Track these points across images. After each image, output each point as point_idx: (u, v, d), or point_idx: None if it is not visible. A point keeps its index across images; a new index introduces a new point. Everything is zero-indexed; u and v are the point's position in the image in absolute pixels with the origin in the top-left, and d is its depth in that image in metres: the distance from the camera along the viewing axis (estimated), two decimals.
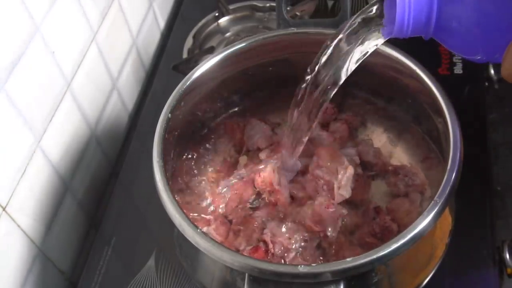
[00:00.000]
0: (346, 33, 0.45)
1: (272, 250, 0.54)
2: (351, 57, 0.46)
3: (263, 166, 0.62)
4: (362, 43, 0.45)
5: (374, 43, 0.45)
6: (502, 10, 0.38)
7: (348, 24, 0.44)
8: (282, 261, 0.54)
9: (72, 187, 0.68)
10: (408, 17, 0.40)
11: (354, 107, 0.67)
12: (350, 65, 0.46)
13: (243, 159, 0.64)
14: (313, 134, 0.64)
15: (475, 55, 0.41)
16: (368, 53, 0.45)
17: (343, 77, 0.47)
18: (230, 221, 0.60)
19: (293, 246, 0.54)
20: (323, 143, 0.64)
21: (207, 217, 0.60)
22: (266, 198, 0.60)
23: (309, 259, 0.54)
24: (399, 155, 0.64)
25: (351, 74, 0.64)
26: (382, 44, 0.56)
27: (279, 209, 0.59)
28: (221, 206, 0.61)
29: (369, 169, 0.62)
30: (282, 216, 0.58)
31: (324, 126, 0.66)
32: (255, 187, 0.61)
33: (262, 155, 0.63)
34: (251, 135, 0.65)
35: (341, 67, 0.47)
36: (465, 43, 0.41)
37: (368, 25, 0.44)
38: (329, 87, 0.48)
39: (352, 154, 0.62)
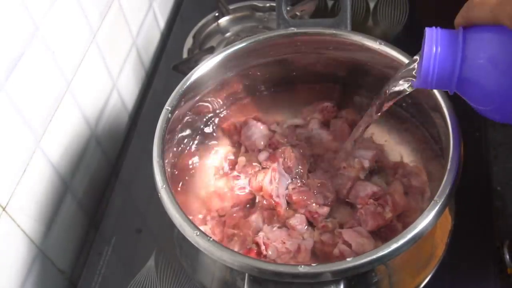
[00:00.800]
0: (398, 75, 0.51)
1: (264, 252, 0.54)
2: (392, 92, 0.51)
3: (259, 169, 0.62)
4: (399, 86, 0.50)
5: (405, 89, 0.50)
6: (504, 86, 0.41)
7: (402, 69, 0.50)
8: None
9: (72, 187, 0.68)
10: (432, 72, 0.43)
11: (355, 105, 0.67)
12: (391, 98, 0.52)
13: (241, 160, 0.64)
14: (313, 133, 0.64)
15: (491, 114, 0.44)
16: (400, 96, 0.51)
17: (386, 107, 0.53)
18: (226, 223, 0.60)
19: (287, 250, 0.54)
20: (323, 141, 0.63)
21: (205, 216, 0.60)
22: (261, 202, 0.60)
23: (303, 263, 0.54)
24: (400, 154, 0.63)
25: (352, 74, 0.65)
26: (383, 45, 0.58)
27: (274, 213, 0.59)
28: (218, 206, 0.61)
29: (370, 167, 0.62)
30: (277, 220, 0.58)
31: (325, 124, 0.66)
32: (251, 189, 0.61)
33: (261, 157, 0.63)
34: (249, 135, 0.65)
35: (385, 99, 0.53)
36: (483, 102, 0.43)
37: (407, 74, 0.49)
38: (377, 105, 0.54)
39: (366, 157, 0.61)
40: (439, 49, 0.42)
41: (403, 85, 0.49)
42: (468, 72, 0.42)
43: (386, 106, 0.53)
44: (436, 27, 0.44)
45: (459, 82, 0.43)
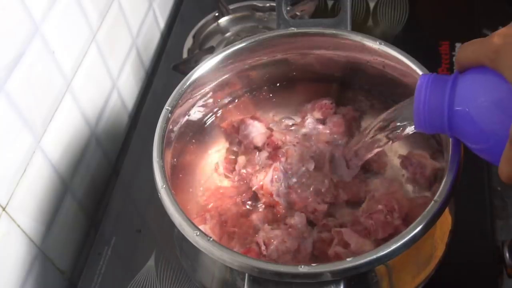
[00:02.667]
0: (392, 115, 0.52)
1: (265, 252, 0.54)
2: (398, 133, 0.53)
3: (260, 168, 0.61)
4: (404, 128, 0.52)
5: (408, 132, 0.51)
6: (500, 123, 0.41)
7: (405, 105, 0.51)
8: None
9: (72, 187, 0.68)
10: (423, 115, 0.45)
11: (354, 103, 0.66)
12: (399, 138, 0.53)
13: (241, 158, 0.64)
14: (309, 129, 0.64)
15: (483, 155, 0.45)
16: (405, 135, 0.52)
17: (380, 148, 0.56)
18: (226, 222, 0.60)
19: (287, 249, 0.54)
20: (319, 136, 0.63)
21: (205, 216, 0.59)
22: (261, 200, 0.60)
23: (303, 263, 0.54)
24: (399, 152, 0.63)
25: (351, 74, 0.65)
26: (383, 45, 0.58)
27: (274, 211, 0.59)
28: (218, 205, 0.61)
29: (368, 166, 0.62)
30: (277, 219, 0.58)
31: (322, 121, 0.66)
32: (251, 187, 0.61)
33: (261, 157, 0.63)
34: (246, 134, 0.65)
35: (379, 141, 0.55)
36: (474, 142, 0.44)
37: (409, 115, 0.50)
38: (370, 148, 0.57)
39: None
40: (428, 92, 0.44)
41: (407, 128, 0.51)
42: (457, 113, 0.43)
43: (394, 141, 0.54)
44: (431, 73, 0.46)
45: (451, 123, 0.44)
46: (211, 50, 0.84)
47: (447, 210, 0.48)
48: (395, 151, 0.62)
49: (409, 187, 0.59)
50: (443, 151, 0.54)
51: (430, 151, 0.60)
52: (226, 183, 0.63)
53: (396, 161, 0.61)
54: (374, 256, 0.44)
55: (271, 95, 0.69)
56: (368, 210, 0.56)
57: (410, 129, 0.51)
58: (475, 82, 0.43)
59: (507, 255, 0.58)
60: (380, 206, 0.55)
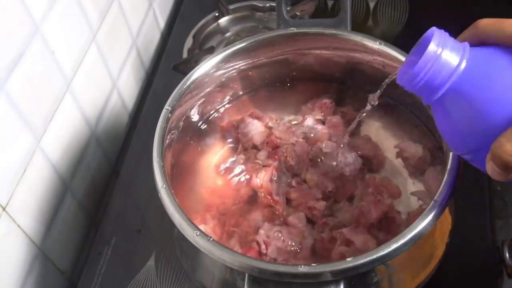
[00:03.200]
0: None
1: (264, 251, 0.54)
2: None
3: (259, 167, 0.62)
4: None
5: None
6: (495, 115, 0.39)
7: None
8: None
9: (72, 187, 0.68)
10: (426, 72, 0.40)
11: (354, 102, 0.67)
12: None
13: (241, 157, 0.64)
14: (308, 128, 0.64)
15: (458, 150, 0.43)
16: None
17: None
18: (226, 221, 0.60)
19: (288, 249, 0.54)
20: (318, 135, 0.63)
21: (205, 215, 0.60)
22: (261, 199, 0.60)
23: (303, 262, 0.54)
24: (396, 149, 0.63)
25: (351, 74, 0.65)
26: (383, 45, 0.59)
27: (274, 210, 0.59)
28: (218, 204, 0.61)
29: (367, 164, 0.62)
30: (277, 218, 0.58)
31: (321, 120, 0.66)
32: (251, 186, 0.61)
33: (261, 156, 0.63)
34: (245, 132, 0.65)
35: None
36: (454, 133, 0.42)
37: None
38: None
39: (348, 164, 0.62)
40: (443, 51, 0.40)
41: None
42: (462, 84, 0.40)
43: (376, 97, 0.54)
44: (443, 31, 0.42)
45: (440, 101, 0.41)
46: (211, 50, 0.84)
47: (447, 210, 0.48)
48: (393, 148, 0.62)
49: (409, 182, 0.60)
50: (443, 151, 0.54)
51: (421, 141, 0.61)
52: (226, 182, 0.63)
53: (394, 157, 0.62)
54: (374, 256, 0.44)
55: (271, 95, 0.69)
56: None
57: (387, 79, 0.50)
58: (497, 60, 0.40)
59: (507, 255, 0.58)
60: (370, 189, 0.57)
